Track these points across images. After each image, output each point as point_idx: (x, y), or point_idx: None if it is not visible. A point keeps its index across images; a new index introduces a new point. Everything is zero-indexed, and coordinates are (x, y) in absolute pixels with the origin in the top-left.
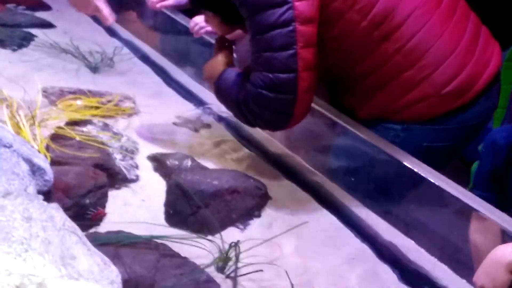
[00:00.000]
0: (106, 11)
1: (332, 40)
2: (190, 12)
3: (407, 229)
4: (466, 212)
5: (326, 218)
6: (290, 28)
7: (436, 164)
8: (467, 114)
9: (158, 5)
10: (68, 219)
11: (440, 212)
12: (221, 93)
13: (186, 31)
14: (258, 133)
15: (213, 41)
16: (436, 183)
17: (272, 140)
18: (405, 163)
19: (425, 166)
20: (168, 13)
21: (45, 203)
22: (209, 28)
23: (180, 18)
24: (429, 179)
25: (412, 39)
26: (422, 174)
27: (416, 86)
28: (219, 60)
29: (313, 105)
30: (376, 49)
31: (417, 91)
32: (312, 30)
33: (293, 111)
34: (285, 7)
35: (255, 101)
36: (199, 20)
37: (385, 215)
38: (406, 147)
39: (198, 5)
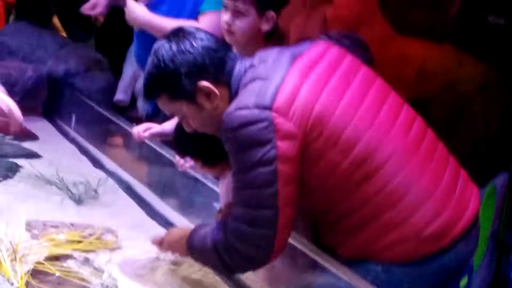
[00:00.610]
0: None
1: (313, 178)
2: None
3: None
4: None
5: None
6: (272, 167)
7: None
8: (445, 258)
9: (145, 134)
10: None
11: None
12: (197, 251)
13: (171, 164)
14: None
15: (198, 175)
16: None
17: (253, 281)
18: None
19: None
20: (153, 145)
21: None
22: (192, 163)
23: (165, 151)
24: None
25: (391, 181)
26: None
27: (395, 228)
28: (176, 231)
29: (293, 242)
30: (356, 190)
31: (397, 233)
32: (294, 169)
33: (273, 245)
34: (268, 147)
35: (235, 236)
36: None
37: None
38: None
39: (181, 151)
